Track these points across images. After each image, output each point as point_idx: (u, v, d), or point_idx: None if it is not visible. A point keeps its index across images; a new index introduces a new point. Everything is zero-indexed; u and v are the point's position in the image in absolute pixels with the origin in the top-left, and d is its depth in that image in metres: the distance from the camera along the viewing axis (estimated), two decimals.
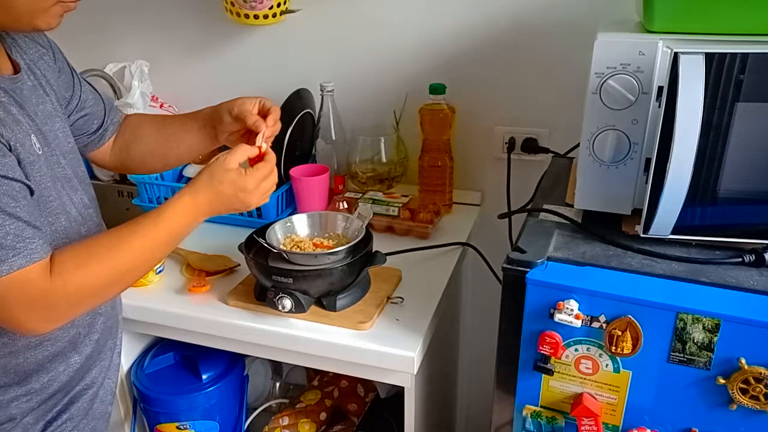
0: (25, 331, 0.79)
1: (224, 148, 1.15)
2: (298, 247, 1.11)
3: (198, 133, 1.05)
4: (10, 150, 0.76)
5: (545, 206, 0.98)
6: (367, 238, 1.10)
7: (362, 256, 1.06)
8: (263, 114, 0.99)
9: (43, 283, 0.76)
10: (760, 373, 0.73)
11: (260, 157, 0.94)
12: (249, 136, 1.01)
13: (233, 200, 0.90)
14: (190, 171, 1.51)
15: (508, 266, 0.83)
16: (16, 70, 0.85)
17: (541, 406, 0.88)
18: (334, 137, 1.46)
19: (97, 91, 1.05)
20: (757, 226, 0.83)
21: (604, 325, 0.79)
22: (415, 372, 1.00)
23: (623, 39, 0.86)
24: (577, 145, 0.91)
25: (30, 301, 0.75)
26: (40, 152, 0.82)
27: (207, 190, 0.88)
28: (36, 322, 0.78)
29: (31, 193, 0.79)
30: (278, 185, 1.37)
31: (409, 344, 0.99)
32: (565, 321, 0.79)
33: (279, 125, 1.00)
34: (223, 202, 0.89)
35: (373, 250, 1.10)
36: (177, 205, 0.87)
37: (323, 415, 1.39)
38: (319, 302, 1.07)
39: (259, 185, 0.91)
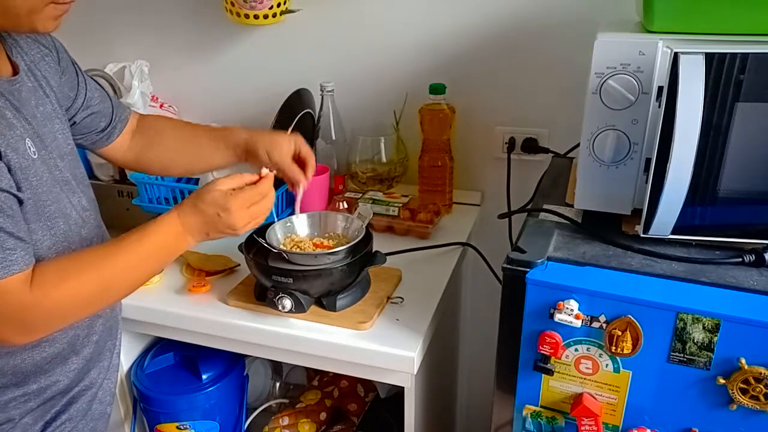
0: (2, 342, 0.79)
1: None
2: (298, 247, 1.11)
3: (227, 152, 1.06)
4: (0, 158, 0.75)
5: (545, 206, 0.98)
6: (367, 238, 1.10)
7: (362, 256, 1.06)
8: (298, 158, 1.01)
9: (22, 296, 0.75)
10: (760, 373, 0.73)
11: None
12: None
13: (216, 221, 0.87)
14: None
15: (508, 266, 0.83)
16: (16, 71, 0.85)
17: (541, 406, 0.88)
18: (334, 137, 1.46)
19: (103, 89, 1.05)
20: (757, 226, 0.83)
21: (604, 325, 0.79)
22: (415, 372, 1.00)
23: (623, 39, 0.86)
24: (577, 145, 0.91)
25: (7, 312, 0.75)
26: (36, 156, 0.82)
27: (191, 209, 0.88)
28: (12, 334, 0.77)
29: (20, 202, 0.78)
30: (277, 186, 1.37)
31: (409, 344, 0.99)
32: (565, 321, 0.79)
33: (313, 171, 1.03)
34: (207, 222, 0.88)
35: (373, 250, 1.10)
36: (162, 223, 0.87)
37: (323, 415, 1.39)
38: (319, 302, 1.07)
39: (245, 208, 0.88)
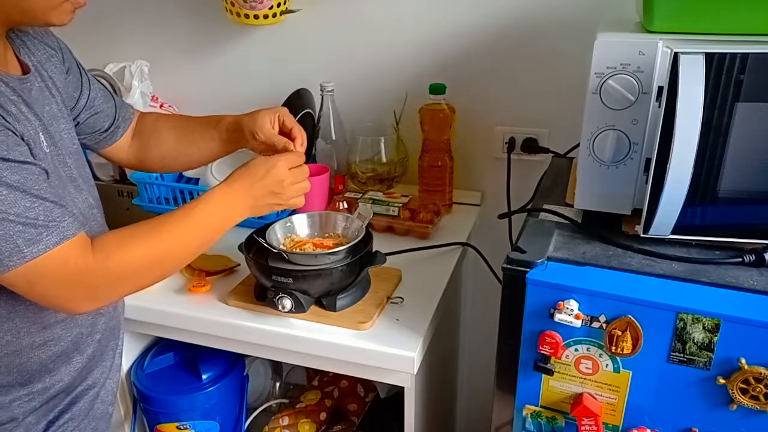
0: (68, 309, 0.81)
1: None
2: (298, 247, 1.11)
3: (219, 141, 1.07)
4: (23, 139, 0.77)
5: (545, 206, 0.98)
6: (367, 238, 1.10)
7: (362, 256, 1.06)
8: (285, 131, 1.01)
9: (84, 261, 0.77)
10: (760, 373, 0.73)
11: None
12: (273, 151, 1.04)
13: (268, 183, 0.92)
14: (190, 171, 1.51)
15: (508, 266, 0.83)
16: (25, 71, 0.86)
17: (541, 406, 0.88)
18: (334, 137, 1.46)
19: (107, 89, 1.06)
20: (757, 226, 0.83)
21: (604, 325, 0.79)
22: (415, 372, 1.00)
23: (623, 39, 0.86)
24: (577, 145, 0.91)
25: (70, 279, 0.77)
26: (48, 150, 0.83)
27: (239, 175, 0.92)
28: (79, 301, 0.79)
29: (48, 176, 0.80)
30: None
31: (409, 344, 0.99)
32: (565, 321, 0.79)
33: (305, 144, 1.02)
34: (258, 186, 0.92)
35: (373, 250, 1.10)
36: (213, 193, 0.90)
37: (323, 415, 1.39)
38: (319, 302, 1.07)
39: (291, 171, 0.94)
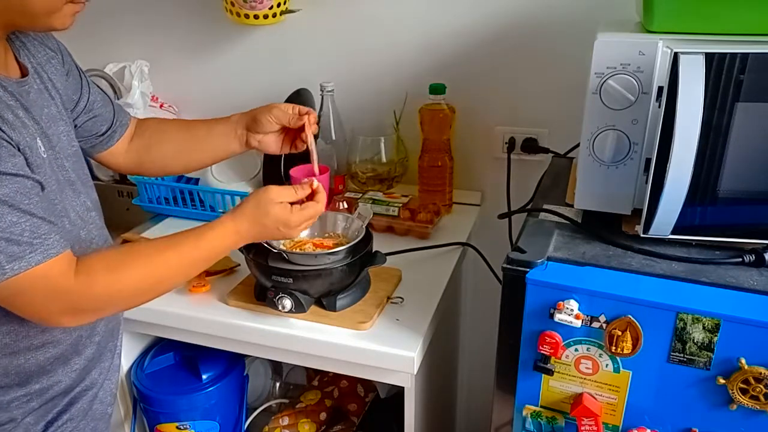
0: (52, 324, 0.81)
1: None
2: (298, 247, 1.11)
3: (227, 136, 1.06)
4: (18, 149, 0.76)
5: (545, 206, 0.98)
6: (367, 238, 1.10)
7: (362, 256, 1.06)
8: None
9: (66, 282, 0.76)
10: (760, 373, 0.73)
11: (311, 195, 0.95)
12: (284, 138, 1.04)
13: (274, 232, 0.92)
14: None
15: (508, 266, 0.83)
16: (24, 73, 0.86)
17: (541, 406, 0.88)
18: (334, 137, 1.46)
19: (105, 93, 1.06)
20: (757, 226, 0.83)
21: (604, 325, 0.79)
22: (415, 372, 1.00)
23: (623, 39, 0.86)
24: (577, 145, 0.91)
25: (52, 297, 0.76)
26: (45, 155, 0.83)
27: (250, 219, 0.90)
28: (59, 316, 0.79)
29: (42, 188, 0.79)
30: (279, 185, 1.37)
31: (409, 344, 0.99)
32: (565, 321, 0.79)
33: (317, 127, 1.02)
34: (263, 232, 0.92)
35: (373, 250, 1.10)
36: (218, 231, 0.89)
37: (323, 415, 1.39)
38: (319, 302, 1.07)
39: (302, 223, 0.93)
